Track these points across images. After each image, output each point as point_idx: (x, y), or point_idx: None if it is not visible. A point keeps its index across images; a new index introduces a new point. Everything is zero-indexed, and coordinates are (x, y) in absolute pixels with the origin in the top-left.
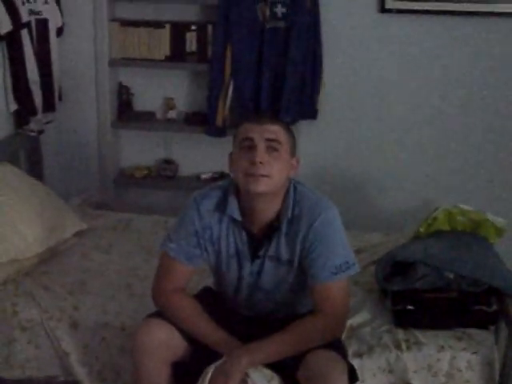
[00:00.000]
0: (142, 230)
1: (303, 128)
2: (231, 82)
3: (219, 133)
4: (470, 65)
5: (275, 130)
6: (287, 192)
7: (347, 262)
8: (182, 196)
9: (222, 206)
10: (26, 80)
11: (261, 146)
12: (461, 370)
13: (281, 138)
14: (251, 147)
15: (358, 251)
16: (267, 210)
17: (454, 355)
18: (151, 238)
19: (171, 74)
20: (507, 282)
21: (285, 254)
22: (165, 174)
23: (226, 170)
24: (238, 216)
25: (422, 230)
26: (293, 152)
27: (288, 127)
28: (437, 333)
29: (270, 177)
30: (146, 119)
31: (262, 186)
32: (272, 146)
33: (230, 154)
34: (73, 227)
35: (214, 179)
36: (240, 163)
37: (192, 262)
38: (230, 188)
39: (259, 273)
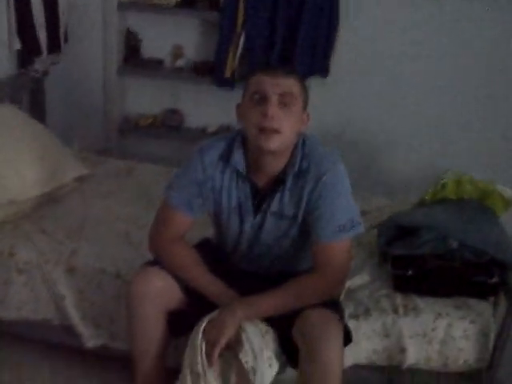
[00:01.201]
0: (143, 179)
1: (313, 85)
2: (243, 33)
3: (228, 84)
4: (494, 34)
5: (289, 84)
6: (296, 146)
7: (352, 221)
8: (187, 147)
9: (226, 157)
10: (31, 18)
11: (273, 99)
12: (455, 338)
13: (294, 92)
14: (263, 100)
15: (362, 213)
16: (274, 164)
17: (450, 323)
18: (153, 187)
19: (181, 22)
20: (510, 255)
21: (288, 209)
22: (170, 123)
23: (234, 124)
24: (242, 168)
25: (427, 197)
26: (305, 106)
27: (302, 80)
28: (435, 300)
29: (282, 132)
30: (154, 67)
31: (275, 142)
32: (285, 100)
33: (238, 105)
34: (73, 172)
35: (220, 133)
36: (250, 116)
37: (192, 211)
38: (237, 139)
39: (260, 227)
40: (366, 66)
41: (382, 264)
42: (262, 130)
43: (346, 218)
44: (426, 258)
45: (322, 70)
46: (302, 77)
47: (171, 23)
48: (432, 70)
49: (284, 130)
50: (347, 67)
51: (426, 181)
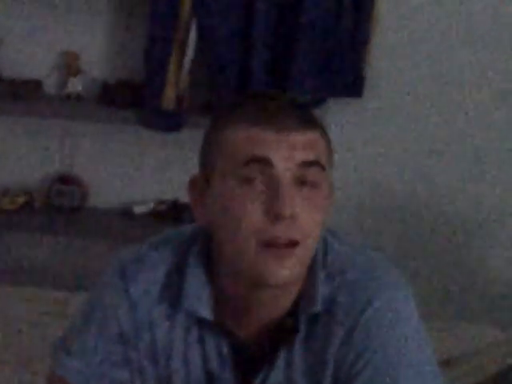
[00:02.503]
0: (12, 321)
1: (333, 113)
2: (193, 23)
3: (167, 123)
4: None
5: (314, 143)
6: (314, 258)
7: None
8: (97, 250)
9: (174, 287)
10: None
11: (289, 178)
12: None
13: (322, 156)
14: (269, 180)
15: (445, 364)
16: (277, 303)
17: None
18: (33, 333)
19: (74, 10)
20: None
21: (302, 381)
22: (61, 203)
23: (184, 197)
24: (209, 313)
25: None
26: (330, 174)
27: (324, 129)
28: None
29: (306, 243)
30: (24, 94)
31: (293, 266)
32: (308, 177)
33: (193, 183)
34: None
35: (159, 215)
36: (243, 214)
37: None
38: (193, 250)
39: None
40: (430, 76)
41: None
42: (271, 246)
43: None
44: None
45: (352, 86)
46: (311, 104)
47: (57, 12)
48: None
49: (309, 237)
50: (395, 78)
51: None
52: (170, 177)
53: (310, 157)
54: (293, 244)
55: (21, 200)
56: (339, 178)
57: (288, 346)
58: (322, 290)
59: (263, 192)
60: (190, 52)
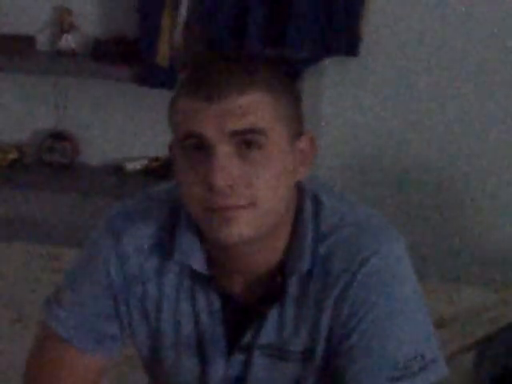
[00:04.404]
0: (3, 276)
1: (329, 73)
2: None
3: (162, 79)
4: None
5: (248, 108)
6: (299, 212)
7: (422, 358)
8: (88, 206)
9: (166, 241)
10: None
11: (222, 149)
12: None
13: (264, 119)
14: (203, 149)
15: (437, 325)
16: (261, 257)
17: None
18: (24, 287)
19: None
20: None
21: (295, 341)
22: (52, 159)
23: None
24: (200, 265)
25: None
26: (297, 130)
27: (279, 81)
28: None
29: (256, 204)
30: (17, 50)
31: (243, 228)
32: (248, 140)
33: (171, 146)
34: None
35: (152, 172)
36: (187, 183)
37: (102, 347)
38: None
39: (243, 378)
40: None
41: None
42: (213, 211)
43: (409, 353)
44: None
45: (348, 45)
46: (304, 62)
47: None
48: None
49: (260, 200)
50: (391, 37)
51: None
52: (164, 134)
53: (243, 125)
54: (236, 207)
55: (12, 156)
56: (334, 137)
57: (279, 305)
58: (318, 250)
59: (201, 163)
60: (183, 8)
